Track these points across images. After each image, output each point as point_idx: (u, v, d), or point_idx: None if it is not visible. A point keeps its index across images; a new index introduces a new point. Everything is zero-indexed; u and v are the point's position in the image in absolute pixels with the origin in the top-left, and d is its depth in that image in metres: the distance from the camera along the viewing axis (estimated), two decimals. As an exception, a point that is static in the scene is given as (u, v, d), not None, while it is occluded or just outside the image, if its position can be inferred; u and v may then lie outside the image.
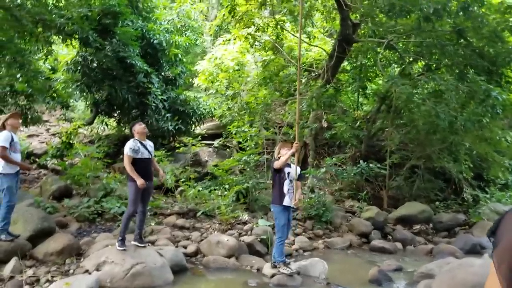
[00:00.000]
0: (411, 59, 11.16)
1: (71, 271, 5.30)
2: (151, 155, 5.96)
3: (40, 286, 4.73)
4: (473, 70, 9.86)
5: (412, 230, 9.67)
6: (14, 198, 5.53)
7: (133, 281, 5.13)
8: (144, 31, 10.98)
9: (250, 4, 11.01)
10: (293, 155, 5.95)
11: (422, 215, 9.89)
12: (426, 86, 10.11)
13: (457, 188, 11.85)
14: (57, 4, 9.34)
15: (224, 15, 11.49)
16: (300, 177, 6.24)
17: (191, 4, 12.96)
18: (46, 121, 14.94)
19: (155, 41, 11.09)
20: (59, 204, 7.87)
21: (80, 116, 14.88)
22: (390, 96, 11.37)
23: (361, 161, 10.12)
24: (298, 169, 6.23)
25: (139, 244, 5.74)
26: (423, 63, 11.16)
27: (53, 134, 13.40)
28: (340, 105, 14.39)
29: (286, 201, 5.81)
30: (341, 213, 9.84)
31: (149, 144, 6.03)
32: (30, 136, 13.75)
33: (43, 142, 13.25)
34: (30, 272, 5.00)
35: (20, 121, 5.95)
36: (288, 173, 5.95)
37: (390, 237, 9.19)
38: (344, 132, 11.65)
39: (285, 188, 5.87)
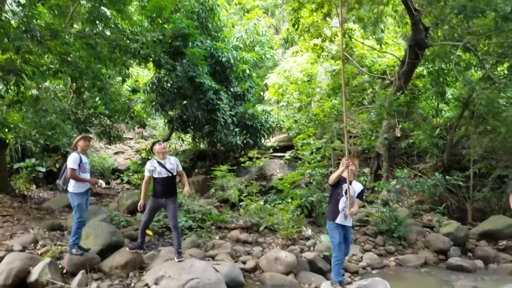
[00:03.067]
0: (493, 61, 10.18)
1: (132, 284, 5.58)
2: (171, 173, 6.12)
3: (101, 299, 5.06)
4: None
5: (497, 247, 8.76)
6: (84, 214, 5.99)
7: (187, 295, 5.26)
8: (213, 50, 11.39)
9: (314, 16, 10.90)
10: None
11: (509, 230, 8.91)
12: (510, 89, 9.13)
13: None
14: (133, 30, 10.08)
15: (288, 28, 11.51)
16: (360, 195, 5.86)
17: (259, 20, 13.16)
18: (131, 138, 16.14)
19: (223, 59, 11.43)
20: (133, 218, 8.38)
21: (161, 133, 15.85)
22: (473, 100, 10.49)
23: (436, 173, 9.40)
24: (359, 186, 5.89)
25: (176, 259, 5.87)
26: (507, 65, 10.11)
27: (137, 151, 14.39)
28: (419, 112, 13.59)
29: (340, 219, 5.56)
30: (417, 228, 9.22)
31: (170, 161, 6.19)
32: (116, 153, 14.92)
33: (127, 159, 14.28)
34: (94, 285, 5.35)
35: (90, 143, 6.44)
36: (346, 190, 5.65)
37: (470, 254, 8.40)
38: (422, 141, 10.97)
39: (341, 205, 5.61)
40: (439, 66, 11.42)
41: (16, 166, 10.60)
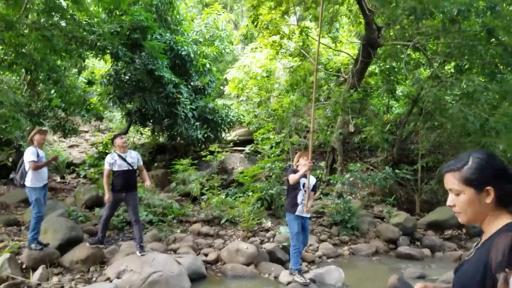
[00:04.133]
0: (440, 60, 10.86)
1: (94, 278, 5.60)
2: (131, 166, 6.19)
3: (63, 293, 5.06)
4: (508, 69, 9.51)
5: (443, 236, 9.43)
6: (42, 209, 5.94)
7: (150, 288, 5.35)
8: (172, 43, 11.35)
9: (273, 13, 11.13)
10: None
11: (455, 220, 9.38)
12: (456, 88, 9.81)
13: (494, 191, 11.39)
14: (89, 22, 9.86)
15: (247, 25, 11.68)
16: (314, 188, 6.27)
17: (218, 15, 13.23)
18: (86, 131, 15.76)
19: (183, 53, 11.42)
20: (91, 213, 8.29)
21: (118, 126, 15.58)
22: (421, 98, 11.15)
23: (386, 167, 9.95)
24: (313, 179, 6.27)
25: (138, 253, 5.95)
26: (454, 64, 10.82)
27: (92, 144, 14.09)
28: (371, 109, 14.21)
29: (299, 211, 5.89)
30: (369, 219, 9.72)
31: (131, 155, 6.28)
32: (70, 146, 14.53)
33: (83, 152, 13.96)
34: (55, 279, 5.34)
35: (46, 137, 6.37)
36: (303, 184, 6.00)
37: (418, 243, 8.99)
38: (373, 136, 11.52)
39: (299, 198, 5.94)
40: (390, 64, 12.00)
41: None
